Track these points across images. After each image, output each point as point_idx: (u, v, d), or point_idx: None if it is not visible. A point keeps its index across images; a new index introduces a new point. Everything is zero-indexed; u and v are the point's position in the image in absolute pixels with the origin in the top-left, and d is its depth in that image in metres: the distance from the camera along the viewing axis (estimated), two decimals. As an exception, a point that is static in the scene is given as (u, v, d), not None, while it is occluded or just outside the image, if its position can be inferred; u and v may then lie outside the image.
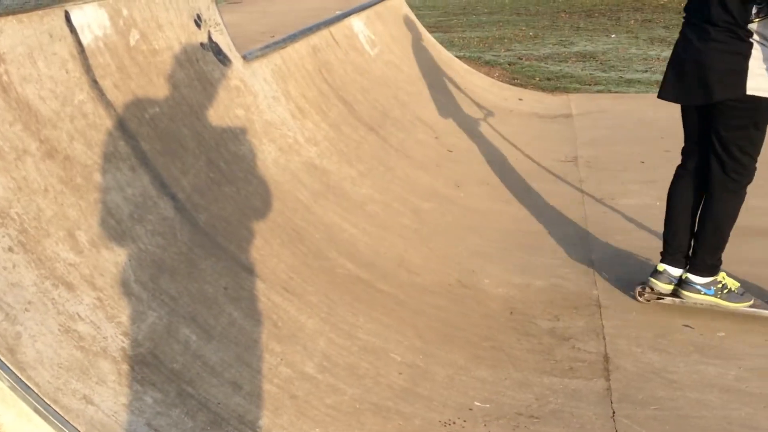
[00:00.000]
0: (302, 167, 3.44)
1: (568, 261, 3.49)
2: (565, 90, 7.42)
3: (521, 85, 7.56)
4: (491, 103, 6.56)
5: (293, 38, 4.27)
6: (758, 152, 2.83)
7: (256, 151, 3.22)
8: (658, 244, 3.13)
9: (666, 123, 5.91)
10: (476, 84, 6.94)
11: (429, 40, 7.36)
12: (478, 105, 6.25)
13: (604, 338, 2.80)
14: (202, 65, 3.18)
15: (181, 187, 2.57)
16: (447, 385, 2.37)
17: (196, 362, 2.04)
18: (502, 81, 7.63)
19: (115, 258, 2.12)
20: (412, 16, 7.25)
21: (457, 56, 7.85)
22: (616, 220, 4.02)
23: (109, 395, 1.79)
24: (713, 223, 2.91)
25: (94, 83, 2.46)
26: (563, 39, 12.33)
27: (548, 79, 7.87)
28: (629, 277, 3.25)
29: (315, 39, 4.61)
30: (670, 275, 3.03)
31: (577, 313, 2.99)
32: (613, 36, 12.51)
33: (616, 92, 7.30)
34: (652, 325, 2.91)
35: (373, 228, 3.36)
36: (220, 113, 3.16)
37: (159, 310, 2.10)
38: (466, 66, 7.39)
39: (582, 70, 8.75)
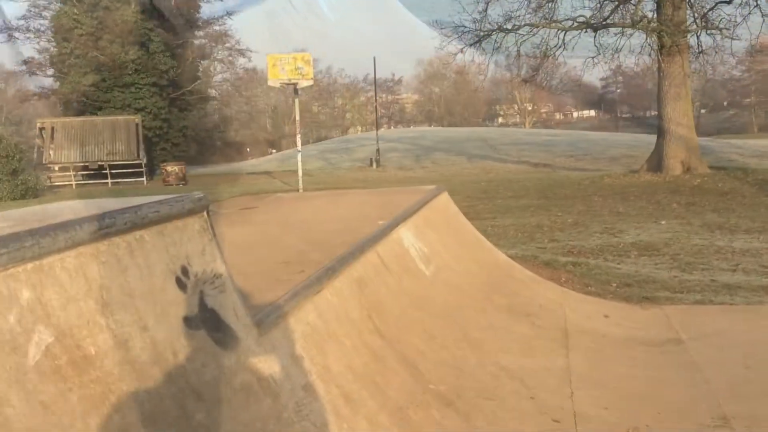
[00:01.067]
0: None
1: None
2: (655, 300, 5.97)
3: (598, 295, 6.14)
4: (576, 325, 5.09)
5: (331, 272, 2.90)
6: None
7: None
8: None
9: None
10: (548, 297, 5.52)
11: (481, 241, 6.08)
12: (562, 331, 4.77)
13: None
14: (184, 362, 1.75)
15: None
16: None
17: None
18: (573, 288, 6.22)
19: None
20: (461, 216, 6.02)
21: (504, 252, 6.54)
22: None
23: None
24: None
25: None
26: (608, 226, 11.17)
27: (627, 285, 6.46)
28: None
29: (359, 267, 3.25)
30: None
31: None
32: (663, 222, 11.34)
33: (721, 304, 5.84)
34: None
35: None
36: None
37: None
38: (529, 273, 6.03)
39: (657, 268, 7.38)
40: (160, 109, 39.43)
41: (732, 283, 6.49)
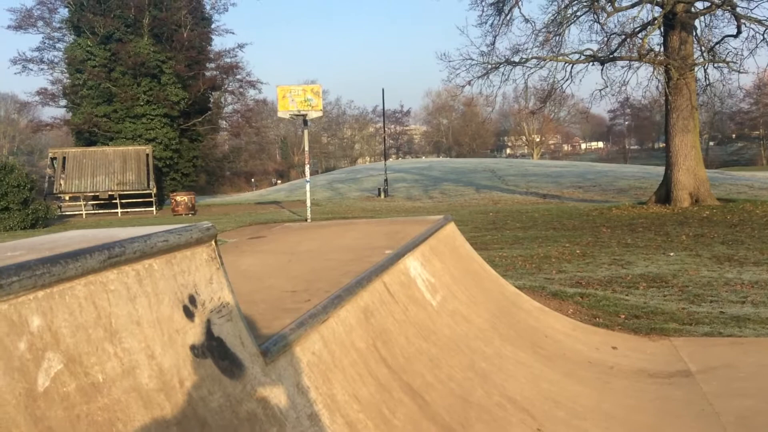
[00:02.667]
0: None
1: None
2: (663, 332, 5.93)
3: (606, 326, 6.11)
4: (583, 355, 5.07)
5: (338, 301, 2.91)
6: None
7: None
8: None
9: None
10: (556, 328, 5.50)
11: (488, 271, 6.08)
12: (570, 362, 4.75)
13: None
14: (191, 390, 1.76)
15: None
16: None
17: None
18: (580, 320, 6.20)
19: None
20: (468, 246, 6.03)
21: (511, 282, 6.52)
22: None
23: None
24: None
25: None
26: (617, 258, 11.13)
27: (636, 317, 6.43)
28: None
29: (366, 297, 3.26)
30: None
31: None
32: (672, 254, 11.30)
33: (729, 335, 5.80)
34: None
35: None
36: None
37: None
38: (536, 303, 6.01)
39: (666, 300, 7.34)
40: (170, 140, 39.81)
41: (741, 315, 6.44)
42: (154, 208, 34.32)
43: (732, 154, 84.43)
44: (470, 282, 5.13)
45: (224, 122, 52.47)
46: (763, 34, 20.14)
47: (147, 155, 35.96)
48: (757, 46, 20.36)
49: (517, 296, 5.89)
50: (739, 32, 20.53)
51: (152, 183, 34.97)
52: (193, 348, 1.87)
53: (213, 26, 44.54)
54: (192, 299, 1.94)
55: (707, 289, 7.95)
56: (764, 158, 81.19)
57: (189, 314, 1.91)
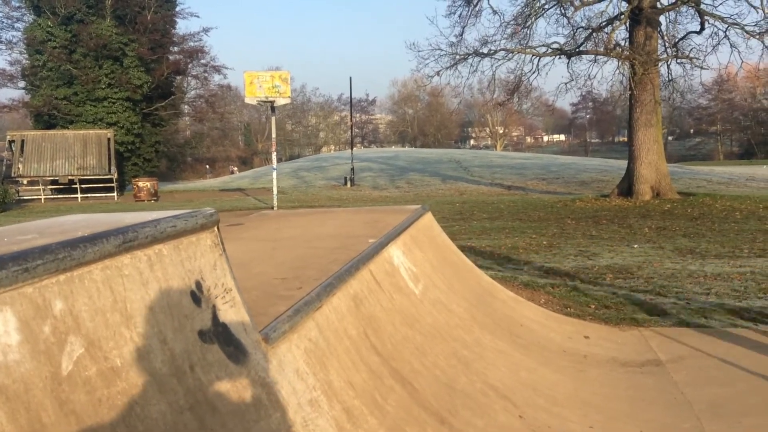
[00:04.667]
0: None
1: None
2: (633, 322, 6.08)
3: (578, 316, 6.23)
4: (557, 344, 5.18)
5: (330, 289, 2.92)
6: None
7: None
8: None
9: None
10: (530, 318, 5.60)
11: (464, 261, 6.15)
12: (546, 350, 4.85)
13: None
14: (201, 375, 1.77)
15: None
16: None
17: None
18: (552, 309, 6.31)
19: None
20: (444, 236, 6.09)
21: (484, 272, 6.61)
22: None
23: None
24: None
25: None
26: (582, 249, 11.34)
27: (606, 307, 6.57)
28: None
29: (355, 285, 3.28)
30: None
31: None
32: (636, 246, 11.55)
33: (696, 326, 5.97)
34: None
35: None
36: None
37: None
38: (510, 293, 6.11)
39: (633, 291, 7.51)
40: (132, 124, 39.08)
41: (706, 306, 6.64)
42: (115, 194, 33.70)
43: (690, 148, 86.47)
44: (448, 271, 5.19)
45: (187, 107, 51.73)
46: (725, 31, 20.63)
47: (108, 139, 35.26)
48: (719, 43, 20.85)
49: (492, 286, 5.97)
50: (702, 29, 20.99)
51: (113, 168, 34.33)
52: (201, 333, 1.87)
53: (177, 9, 43.74)
54: (198, 285, 1.94)
55: (672, 280, 8.16)
56: (721, 153, 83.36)
57: (196, 300, 1.91)
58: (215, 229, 2.14)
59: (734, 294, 7.22)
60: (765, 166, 49.97)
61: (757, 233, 12.72)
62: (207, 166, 68.78)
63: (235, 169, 68.62)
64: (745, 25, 20.21)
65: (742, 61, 22.22)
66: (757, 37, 20.18)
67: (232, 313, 2.08)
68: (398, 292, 3.88)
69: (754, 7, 19.90)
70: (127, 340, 1.55)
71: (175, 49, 44.82)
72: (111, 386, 1.44)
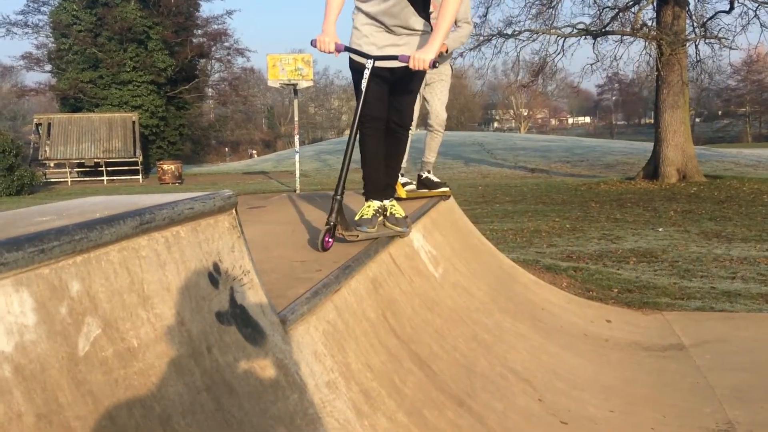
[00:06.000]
0: None
1: None
2: (656, 306, 6.02)
3: (600, 299, 6.19)
4: (579, 328, 5.14)
5: (348, 271, 2.93)
6: None
7: None
8: None
9: None
10: (552, 301, 5.57)
11: (485, 245, 6.12)
12: (567, 335, 4.83)
13: None
14: (218, 356, 1.78)
15: None
16: None
17: None
18: (574, 293, 6.27)
19: None
20: (466, 219, 6.06)
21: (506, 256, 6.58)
22: None
23: None
24: None
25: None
26: (606, 233, 11.23)
27: (629, 291, 6.51)
28: None
29: (374, 267, 3.28)
30: None
31: None
32: (660, 230, 11.42)
33: (721, 311, 5.90)
34: None
35: None
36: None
37: None
38: (532, 277, 6.07)
39: (656, 275, 7.44)
40: (157, 107, 39.40)
41: (731, 290, 6.55)
42: (140, 177, 34.07)
43: (718, 130, 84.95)
44: (469, 255, 5.17)
45: (211, 90, 51.99)
46: (755, 11, 20.15)
47: (133, 122, 35.59)
48: (749, 23, 20.38)
49: (514, 269, 5.94)
50: (732, 8, 20.52)
51: (138, 151, 34.69)
52: (218, 315, 1.88)
53: (201, -8, 43.80)
54: (216, 267, 1.95)
55: (697, 264, 8.06)
56: (749, 135, 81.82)
57: (214, 282, 1.92)
58: (233, 211, 2.14)
59: (760, 278, 7.11)
60: (796, 149, 48.97)
61: (786, 217, 12.50)
62: (227, 149, 68.97)
63: (255, 152, 68.67)
64: (777, 3, 19.73)
65: (773, 41, 21.68)
66: (789, 16, 19.69)
67: (250, 294, 2.08)
68: (418, 275, 3.87)
69: (786, -15, 19.40)
70: (144, 321, 1.56)
71: (199, 32, 45.00)
72: (128, 367, 1.46)
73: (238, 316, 1.97)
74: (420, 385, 2.81)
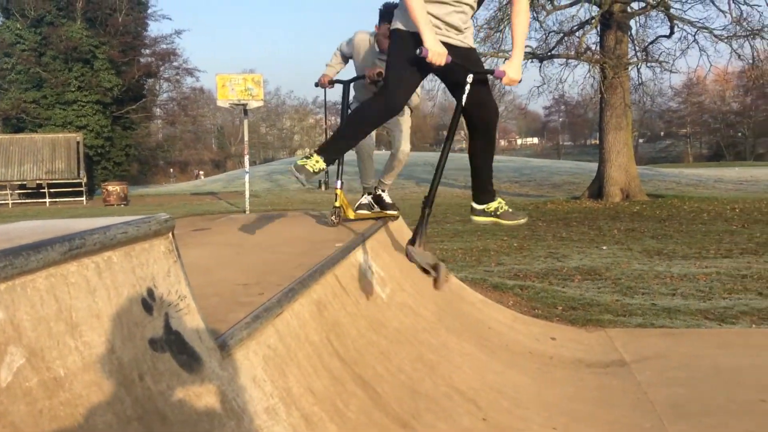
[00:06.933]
0: None
1: None
2: (599, 323, 6.15)
3: (545, 317, 6.29)
4: (525, 346, 5.21)
5: (291, 294, 2.91)
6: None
7: None
8: None
9: (752, 372, 4.66)
10: (498, 320, 5.64)
11: (433, 265, 6.16)
12: (512, 353, 4.88)
13: None
14: (151, 384, 1.75)
15: None
16: None
17: None
18: (520, 311, 6.36)
19: None
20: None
21: (453, 275, 6.64)
22: None
23: None
24: None
25: None
26: (552, 251, 11.45)
27: (573, 308, 6.64)
28: None
29: (319, 290, 3.27)
30: None
31: None
32: (605, 248, 11.70)
33: (661, 327, 6.06)
34: None
35: None
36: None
37: None
38: (479, 296, 6.14)
39: (600, 292, 7.60)
40: (102, 128, 38.63)
41: (671, 307, 6.74)
42: (84, 198, 33.25)
43: (660, 151, 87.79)
44: (417, 275, 5.19)
45: (159, 110, 51.31)
46: (694, 35, 21.00)
47: (78, 143, 34.79)
48: (688, 47, 21.24)
49: (461, 289, 6.00)
50: (672, 33, 21.35)
51: (83, 172, 33.89)
52: (152, 342, 1.85)
53: (149, 11, 43.44)
54: (150, 292, 1.92)
55: (639, 281, 8.27)
56: (690, 155, 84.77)
57: (147, 308, 1.88)
58: (170, 235, 2.12)
59: (699, 294, 7.34)
60: (737, 168, 50.87)
61: (724, 234, 12.95)
62: (171, 170, 67.64)
63: (201, 173, 67.48)
64: (714, 29, 20.63)
65: (711, 65, 22.69)
66: (725, 40, 20.58)
67: (187, 320, 2.06)
68: (364, 297, 3.87)
69: (722, 12, 20.31)
70: (71, 350, 1.53)
71: (147, 51, 44.46)
72: (53, 397, 1.42)
73: (173, 342, 1.94)
74: (363, 408, 2.80)
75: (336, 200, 5.42)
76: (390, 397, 3.11)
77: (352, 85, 5.75)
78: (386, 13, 5.07)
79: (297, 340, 2.71)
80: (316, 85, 5.79)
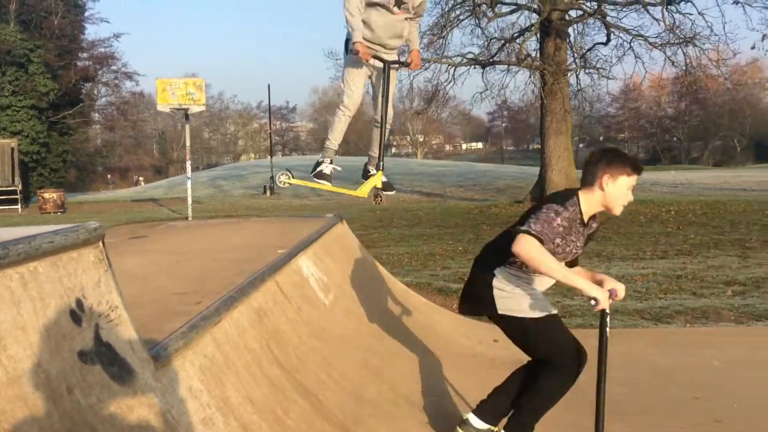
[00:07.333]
0: None
1: None
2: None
3: (489, 320, 6.35)
4: (468, 349, 5.27)
5: (230, 302, 2.87)
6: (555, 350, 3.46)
7: None
8: None
9: (686, 370, 4.80)
10: (443, 323, 5.68)
11: (378, 270, 6.17)
12: (456, 356, 4.93)
13: None
14: (80, 398, 1.69)
15: None
16: None
17: None
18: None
19: None
20: (359, 244, 6.10)
21: (399, 280, 6.67)
22: None
23: None
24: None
25: None
26: (497, 254, 11.59)
27: (515, 311, 6.73)
28: None
29: (259, 297, 3.23)
30: None
31: None
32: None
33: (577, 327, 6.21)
34: None
35: None
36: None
37: None
38: (424, 300, 6.17)
39: (542, 294, 7.73)
40: (38, 133, 37.36)
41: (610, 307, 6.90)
42: (19, 206, 32.05)
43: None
44: (362, 280, 5.19)
45: (98, 115, 49.98)
46: (630, 43, 21.64)
47: (12, 149, 33.52)
48: (624, 54, 21.86)
49: (406, 293, 6.02)
50: (608, 40, 21.94)
51: (17, 179, 32.69)
52: (81, 354, 1.79)
53: (86, 14, 42.25)
54: (79, 303, 1.86)
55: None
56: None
57: (76, 319, 1.82)
58: (100, 243, 2.06)
59: (637, 295, 7.55)
60: (673, 171, 52.61)
61: (660, 236, 13.37)
62: (109, 176, 65.69)
63: (141, 179, 65.72)
64: (648, 36, 21.27)
65: (646, 71, 23.43)
66: (660, 48, 21.26)
67: (118, 331, 2.00)
68: (307, 303, 3.84)
69: (656, 20, 20.98)
70: (-9, 366, 1.47)
71: (84, 55, 43.26)
72: (-28, 415, 1.36)
73: (103, 354, 1.88)
74: (304, 416, 2.77)
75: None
76: (332, 404, 3.09)
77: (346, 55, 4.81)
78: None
79: (235, 349, 2.67)
80: (353, 53, 4.57)
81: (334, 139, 4.96)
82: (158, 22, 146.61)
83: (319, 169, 4.96)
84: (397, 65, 4.89)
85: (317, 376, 3.20)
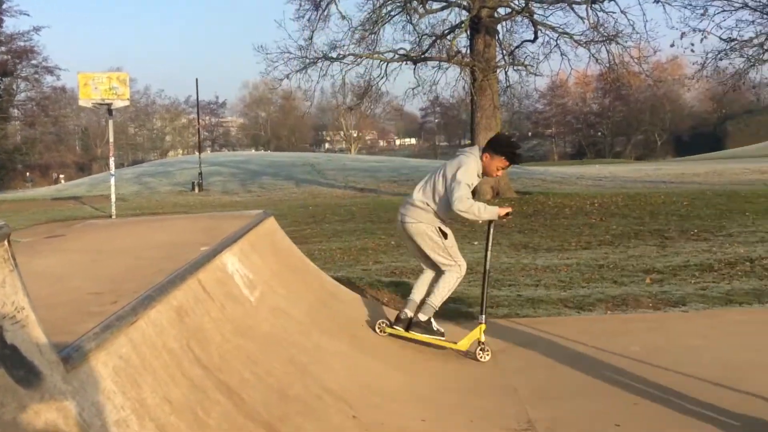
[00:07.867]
0: None
1: None
2: (469, 316, 6.37)
3: (419, 313, 6.42)
4: (398, 342, 5.30)
5: (148, 301, 2.79)
6: None
7: None
8: None
9: (607, 356, 4.95)
10: (372, 317, 5.69)
11: (308, 265, 6.13)
12: (385, 349, 4.95)
13: None
14: (-21, 405, 1.61)
15: None
16: None
17: None
18: (395, 308, 6.45)
19: None
20: (288, 241, 6.05)
21: (331, 275, 6.66)
22: None
23: None
24: None
25: None
26: (428, 248, 11.71)
27: (445, 303, 6.80)
28: None
29: (179, 295, 3.16)
30: None
31: None
32: (476, 243, 12.12)
33: (525, 316, 6.36)
34: None
35: None
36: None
37: None
38: (355, 294, 6.18)
39: (470, 286, 7.86)
40: (-49, 129, 35.47)
41: (535, 297, 7.09)
42: (-69, 206, 30.36)
43: (528, 150, 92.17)
44: (290, 276, 5.15)
45: (17, 111, 47.87)
46: (556, 40, 22.20)
47: None
48: (551, 51, 22.41)
49: (336, 288, 6.01)
50: (536, 38, 22.45)
51: (-71, 177, 30.96)
52: (-19, 359, 1.71)
53: (4, 6, 40.35)
54: (-21, 305, 1.77)
55: (506, 274, 8.64)
56: (555, 154, 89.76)
57: (-24, 322, 1.74)
58: (5, 243, 1.96)
59: (561, 284, 7.77)
60: (597, 165, 54.34)
61: (584, 227, 13.79)
62: (28, 174, 62.77)
63: (62, 177, 63.01)
64: (573, 34, 21.86)
65: (572, 68, 24.09)
66: (584, 45, 21.90)
67: (24, 333, 1.92)
68: (231, 301, 3.78)
69: (581, 18, 21.59)
70: None
71: (2, 49, 41.33)
72: None
73: (8, 357, 1.80)
74: (226, 415, 2.73)
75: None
76: (257, 402, 3.06)
77: (437, 201, 5.87)
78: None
79: (153, 349, 2.61)
80: (506, 218, 5.79)
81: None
82: (81, 14, 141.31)
83: (437, 328, 5.36)
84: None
85: (241, 375, 3.15)
